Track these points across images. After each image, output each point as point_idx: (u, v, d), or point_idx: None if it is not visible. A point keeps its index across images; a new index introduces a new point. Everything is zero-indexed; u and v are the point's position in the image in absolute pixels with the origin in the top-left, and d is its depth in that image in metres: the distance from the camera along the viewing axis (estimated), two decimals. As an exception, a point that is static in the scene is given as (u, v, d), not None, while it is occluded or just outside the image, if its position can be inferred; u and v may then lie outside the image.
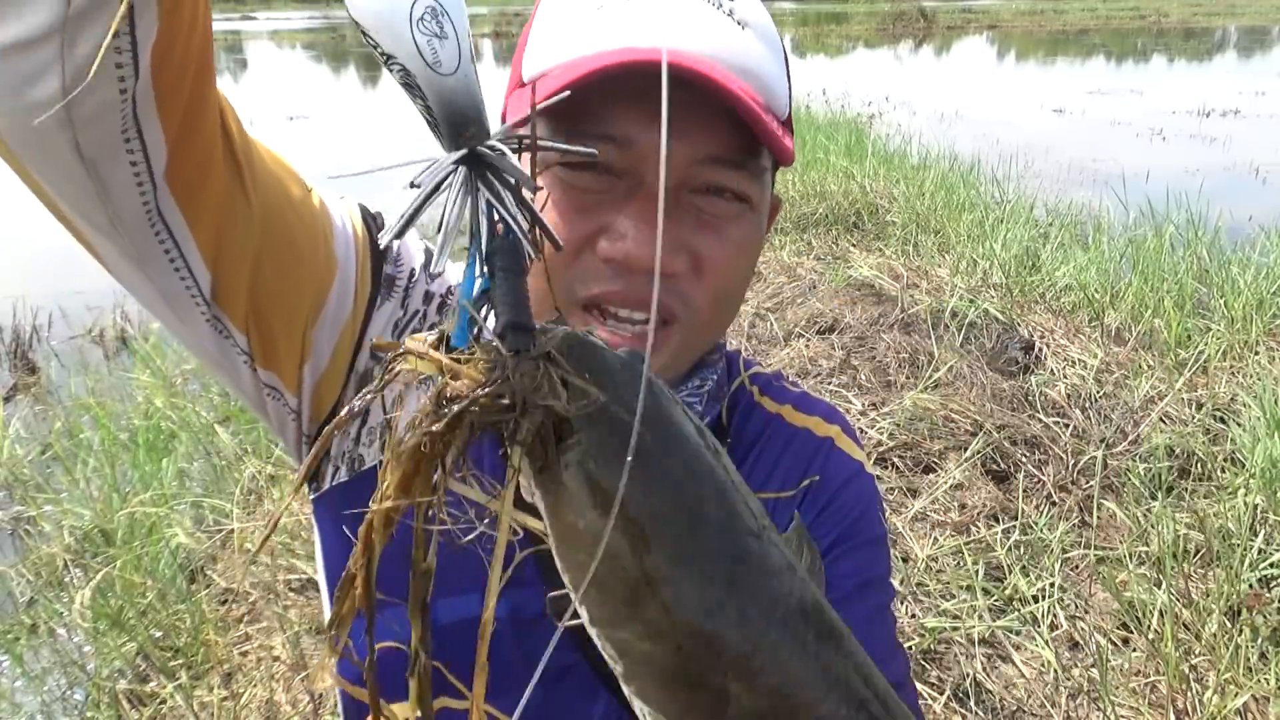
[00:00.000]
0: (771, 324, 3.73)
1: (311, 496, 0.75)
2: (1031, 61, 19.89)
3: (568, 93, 0.45)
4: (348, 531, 0.75)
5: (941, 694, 1.93)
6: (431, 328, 0.74)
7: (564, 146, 0.40)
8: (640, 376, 0.33)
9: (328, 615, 0.75)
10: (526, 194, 0.35)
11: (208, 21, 0.52)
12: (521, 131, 0.36)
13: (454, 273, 0.76)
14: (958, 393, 3.04)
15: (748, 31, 0.61)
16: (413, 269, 0.72)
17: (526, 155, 0.40)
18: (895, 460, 2.77)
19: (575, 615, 0.69)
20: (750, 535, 0.36)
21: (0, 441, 3.05)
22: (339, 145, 9.14)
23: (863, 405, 3.04)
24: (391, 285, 0.71)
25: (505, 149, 0.34)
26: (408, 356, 0.32)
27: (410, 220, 0.33)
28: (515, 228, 0.33)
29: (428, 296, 0.73)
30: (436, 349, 0.32)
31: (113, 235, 0.55)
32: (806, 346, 3.48)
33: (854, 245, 4.84)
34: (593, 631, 0.35)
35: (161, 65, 0.49)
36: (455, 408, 0.31)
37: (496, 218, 0.33)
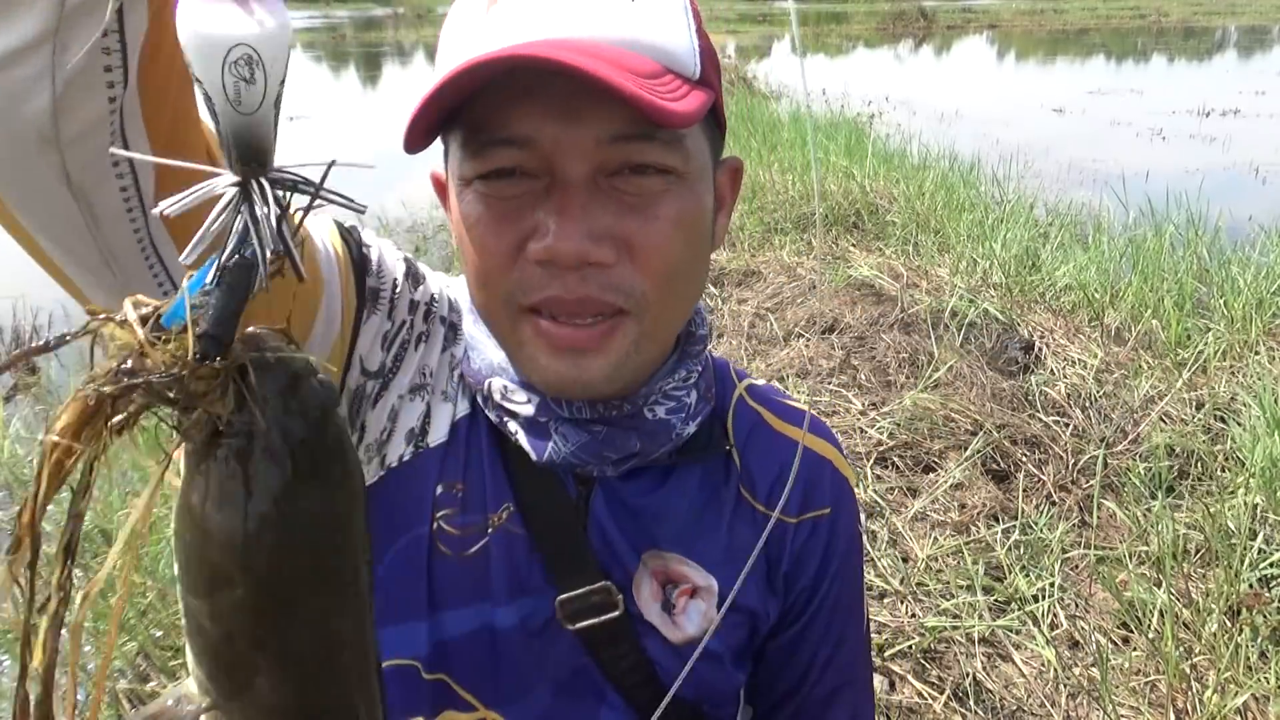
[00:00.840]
0: (771, 324, 3.73)
1: None
2: (1031, 61, 19.89)
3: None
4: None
5: (941, 693, 1.93)
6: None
7: (341, 202, 0.41)
8: (313, 412, 0.37)
9: None
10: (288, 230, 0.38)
11: None
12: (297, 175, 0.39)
13: (435, 280, 0.75)
14: (958, 392, 3.04)
15: (638, 1, 0.60)
16: (395, 279, 0.71)
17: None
18: (895, 460, 2.77)
19: (584, 618, 0.69)
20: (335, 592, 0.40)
21: (0, 441, 3.06)
22: (339, 145, 9.14)
23: (863, 405, 3.04)
24: (376, 298, 0.70)
25: (279, 184, 0.38)
26: (112, 322, 0.34)
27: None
28: (259, 257, 0.36)
29: (413, 305, 0.72)
30: (145, 323, 0.34)
31: (104, 273, 0.52)
32: (806, 346, 3.48)
33: (854, 245, 4.84)
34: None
35: (149, 69, 0.47)
36: (127, 381, 0.33)
37: (246, 240, 0.36)
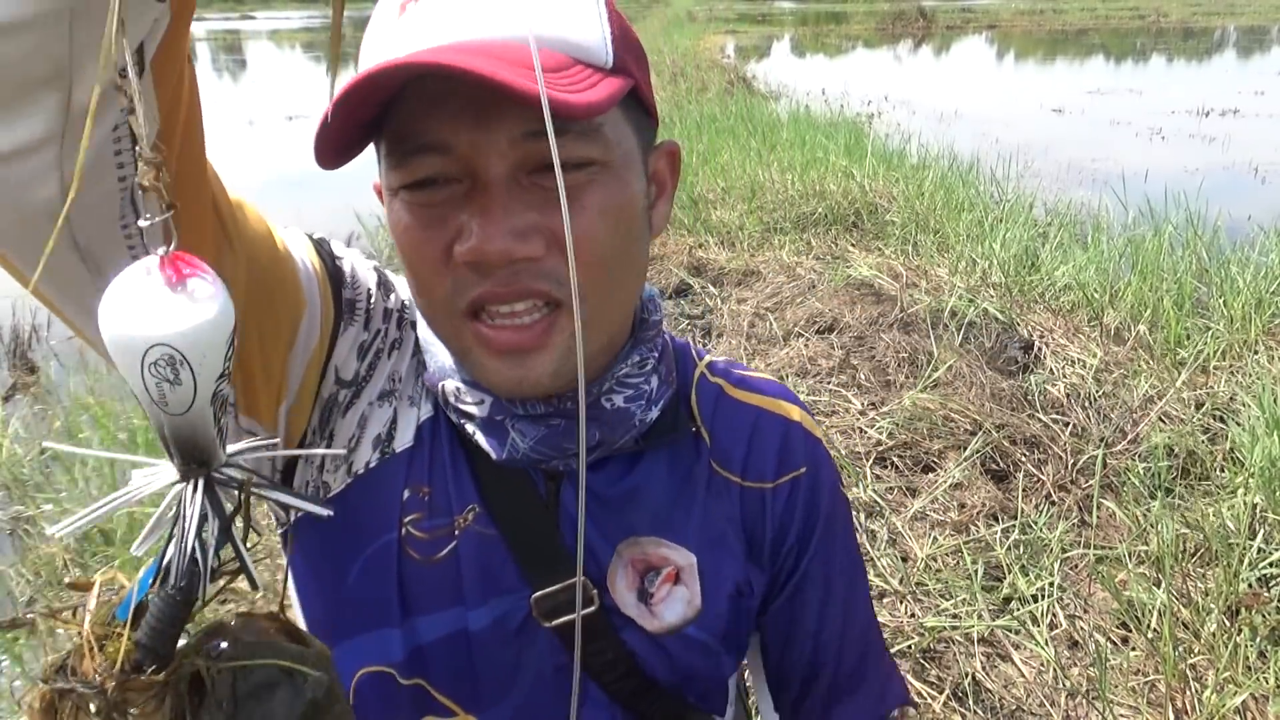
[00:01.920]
0: (771, 324, 3.73)
1: (279, 533, 0.75)
2: (1031, 61, 19.90)
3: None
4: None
5: (941, 693, 1.93)
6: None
7: (290, 499, 0.37)
8: None
9: None
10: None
11: (197, 99, 0.51)
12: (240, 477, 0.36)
13: (402, 286, 0.76)
14: (957, 392, 3.04)
15: None
16: (369, 289, 0.72)
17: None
18: (894, 460, 2.77)
19: (561, 614, 0.69)
20: None
21: None
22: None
23: (862, 405, 3.04)
24: (353, 309, 0.70)
25: (225, 483, 0.34)
26: (64, 614, 0.32)
27: (93, 518, 0.33)
28: (201, 565, 0.33)
29: (387, 314, 0.73)
30: (101, 613, 0.32)
31: None
32: (806, 346, 3.48)
33: (853, 245, 4.84)
34: None
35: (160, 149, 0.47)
36: (59, 684, 0.31)
37: (186, 545, 0.33)
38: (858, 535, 2.37)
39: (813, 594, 0.78)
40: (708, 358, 0.83)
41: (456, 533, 0.70)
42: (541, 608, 0.69)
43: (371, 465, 0.71)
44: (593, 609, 0.70)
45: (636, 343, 0.72)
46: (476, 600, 0.70)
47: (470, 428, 0.70)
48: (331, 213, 5.57)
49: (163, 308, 0.30)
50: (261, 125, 10.96)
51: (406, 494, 0.70)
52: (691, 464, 0.76)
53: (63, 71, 0.39)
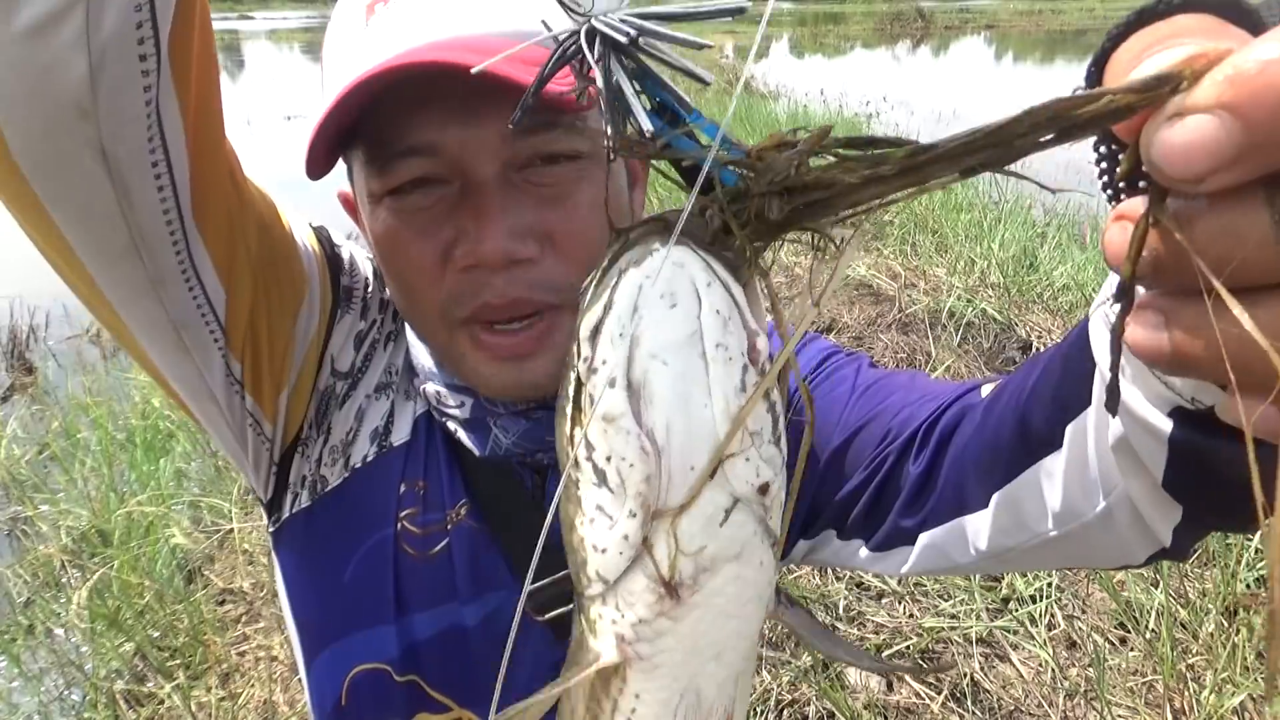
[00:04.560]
0: (769, 324, 3.73)
1: (271, 529, 0.74)
2: (1029, 61, 19.91)
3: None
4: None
5: (939, 693, 1.93)
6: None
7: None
8: None
9: (299, 655, 0.75)
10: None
11: (210, 37, 0.51)
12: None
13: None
14: (955, 392, 3.04)
15: None
16: (366, 278, 0.71)
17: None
18: (893, 460, 2.77)
19: (553, 607, 0.69)
20: None
21: (-3, 441, 3.05)
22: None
23: (860, 405, 3.04)
24: (350, 297, 0.70)
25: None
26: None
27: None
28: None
29: (384, 305, 0.73)
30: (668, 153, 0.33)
31: (130, 261, 0.52)
32: (804, 346, 3.47)
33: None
34: None
35: (178, 44, 0.47)
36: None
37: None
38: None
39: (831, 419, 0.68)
40: None
41: (449, 528, 0.70)
42: (533, 602, 0.69)
43: (369, 459, 0.71)
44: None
45: None
46: (469, 596, 0.69)
47: (453, 425, 0.70)
48: (330, 213, 5.57)
49: None
50: (260, 125, 10.96)
51: (403, 488, 0.70)
52: None
53: None
